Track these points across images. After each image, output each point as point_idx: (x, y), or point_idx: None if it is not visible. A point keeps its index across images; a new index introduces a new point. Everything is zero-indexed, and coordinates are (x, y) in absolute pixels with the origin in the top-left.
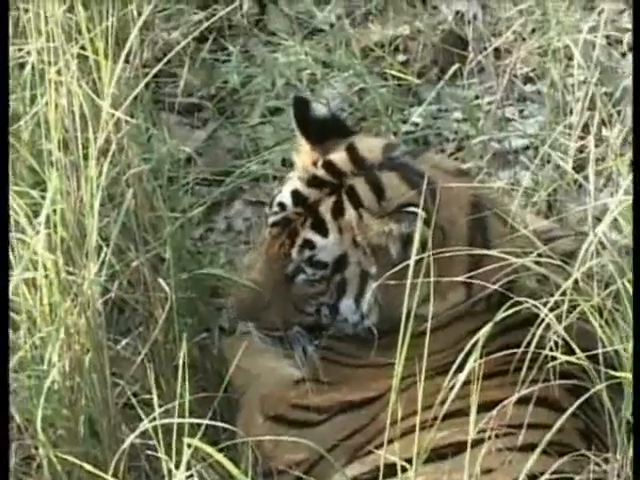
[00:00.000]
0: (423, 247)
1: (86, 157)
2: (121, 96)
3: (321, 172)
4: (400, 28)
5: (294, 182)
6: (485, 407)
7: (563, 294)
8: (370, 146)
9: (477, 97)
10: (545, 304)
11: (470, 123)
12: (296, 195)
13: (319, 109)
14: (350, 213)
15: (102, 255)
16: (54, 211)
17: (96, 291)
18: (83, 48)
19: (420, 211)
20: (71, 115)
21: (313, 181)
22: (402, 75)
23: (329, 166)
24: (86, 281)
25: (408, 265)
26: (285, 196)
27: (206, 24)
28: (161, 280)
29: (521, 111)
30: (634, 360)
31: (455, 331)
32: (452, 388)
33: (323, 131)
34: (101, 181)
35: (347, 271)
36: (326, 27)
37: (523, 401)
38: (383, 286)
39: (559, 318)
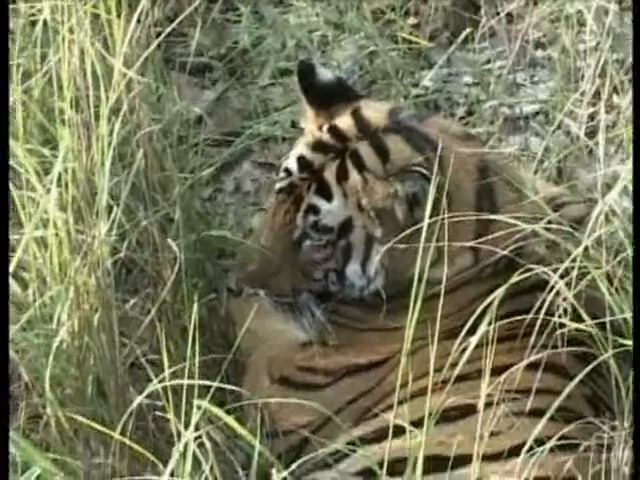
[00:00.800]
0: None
1: (97, 116)
2: (132, 55)
3: (326, 137)
4: None
5: (300, 147)
6: (493, 372)
7: (573, 261)
8: (375, 110)
9: (488, 61)
10: (555, 271)
11: (481, 87)
12: (301, 160)
13: (324, 74)
14: (354, 177)
15: (112, 215)
16: (65, 170)
17: (106, 251)
18: (95, 6)
19: (425, 170)
20: (83, 73)
21: (318, 146)
22: (413, 38)
23: (334, 131)
24: (96, 240)
25: (414, 229)
26: (291, 162)
27: None
28: (170, 240)
29: (532, 76)
30: (634, 330)
31: (462, 296)
32: (462, 352)
33: (328, 96)
34: (112, 140)
35: (352, 235)
36: None
37: (531, 367)
38: (389, 250)
39: (568, 285)
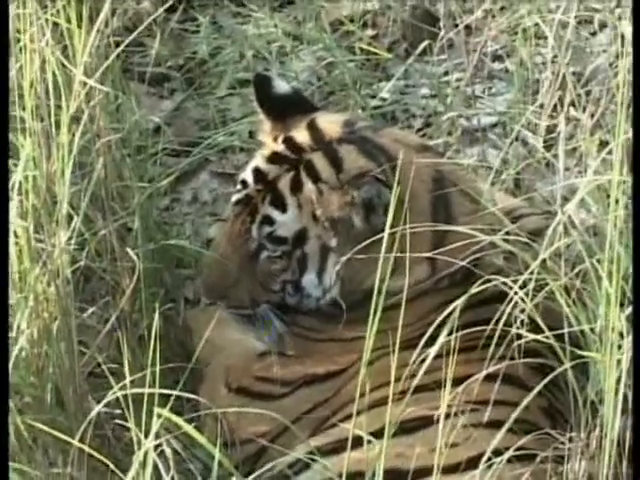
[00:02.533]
0: (386, 209)
1: (58, 125)
2: (92, 64)
3: (281, 148)
4: (370, 3)
5: (257, 159)
6: (452, 383)
7: (531, 273)
8: (330, 121)
9: (446, 73)
10: (514, 282)
11: (438, 99)
12: (257, 172)
13: (281, 86)
14: (308, 188)
15: (72, 223)
16: (25, 178)
17: (65, 259)
18: (55, 16)
19: (380, 175)
20: (43, 82)
21: (273, 157)
22: (371, 49)
23: (289, 142)
24: (56, 249)
25: (374, 239)
26: (247, 173)
27: None
28: (129, 249)
29: (489, 89)
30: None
31: (419, 307)
32: (420, 362)
33: (284, 107)
34: (72, 149)
35: (307, 246)
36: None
37: (489, 378)
38: (347, 261)
39: (526, 296)
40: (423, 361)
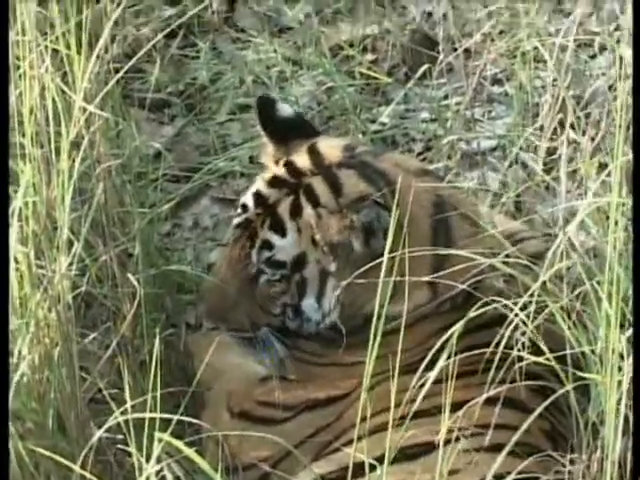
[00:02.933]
0: (385, 233)
1: (58, 151)
2: (92, 90)
3: (281, 172)
4: (369, 27)
5: (258, 183)
6: (452, 407)
7: (531, 295)
8: (331, 146)
9: (446, 97)
10: (514, 304)
11: (438, 123)
12: (257, 196)
13: (284, 109)
14: (308, 212)
15: (72, 249)
16: (25, 204)
17: (66, 285)
18: (55, 43)
19: (379, 199)
20: (43, 109)
21: (273, 181)
22: (371, 74)
23: (289, 166)
24: (57, 275)
25: (373, 263)
26: (248, 197)
27: (177, 22)
28: (130, 275)
29: (489, 112)
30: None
31: (420, 331)
32: (420, 387)
33: (287, 131)
34: (73, 175)
35: (306, 270)
36: (295, 25)
37: (489, 402)
38: (346, 286)
39: (527, 318)
40: (423, 386)
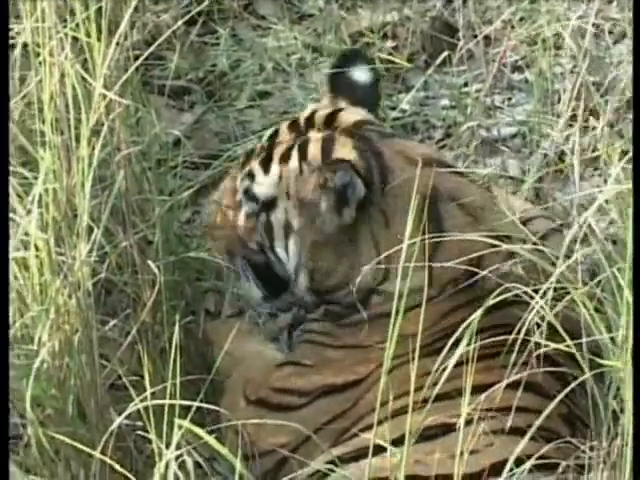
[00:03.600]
0: (360, 206)
1: (77, 138)
2: (112, 77)
3: (301, 119)
4: (389, 14)
5: (286, 121)
6: (471, 390)
7: (549, 280)
8: (350, 114)
9: (465, 84)
10: (535, 292)
11: (458, 110)
12: (275, 132)
13: (360, 74)
14: (293, 163)
15: (92, 236)
16: (46, 191)
17: (86, 272)
18: (75, 30)
19: (359, 167)
20: (63, 95)
21: (291, 125)
22: (391, 59)
23: (309, 116)
24: (77, 261)
25: (339, 228)
26: (271, 130)
27: (197, 9)
28: (150, 262)
29: (509, 99)
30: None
31: (427, 313)
32: (438, 371)
33: (346, 91)
34: (93, 162)
35: (273, 215)
36: (315, 12)
37: (508, 385)
38: (311, 248)
39: (546, 304)
40: (443, 370)
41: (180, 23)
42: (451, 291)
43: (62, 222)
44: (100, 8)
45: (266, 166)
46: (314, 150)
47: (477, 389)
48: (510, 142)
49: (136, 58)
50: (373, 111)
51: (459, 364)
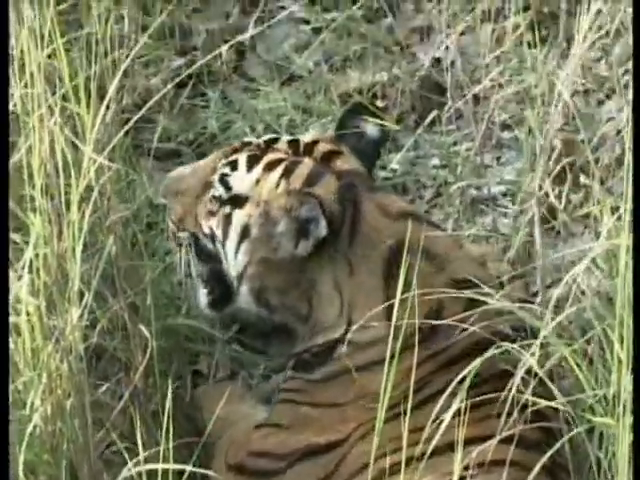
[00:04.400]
0: (320, 245)
1: (68, 203)
2: (101, 142)
3: (302, 143)
4: (378, 75)
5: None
6: (451, 446)
7: (535, 336)
8: (347, 160)
9: (455, 144)
10: (524, 348)
11: (448, 169)
12: (275, 140)
13: (372, 130)
14: (275, 176)
15: (83, 301)
16: (36, 256)
17: (78, 336)
18: (64, 97)
19: (329, 206)
20: (53, 161)
21: (292, 142)
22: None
23: (310, 144)
24: (68, 326)
25: (293, 257)
26: (274, 136)
27: (187, 72)
28: (142, 327)
29: (498, 158)
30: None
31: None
32: (421, 429)
33: (353, 142)
34: (83, 226)
35: (237, 212)
36: (305, 73)
37: (488, 437)
38: (260, 262)
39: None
40: (421, 429)
41: (170, 87)
42: (409, 344)
43: (53, 287)
44: (89, 75)
45: (251, 164)
46: (299, 175)
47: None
48: (500, 200)
49: (126, 121)
50: (369, 167)
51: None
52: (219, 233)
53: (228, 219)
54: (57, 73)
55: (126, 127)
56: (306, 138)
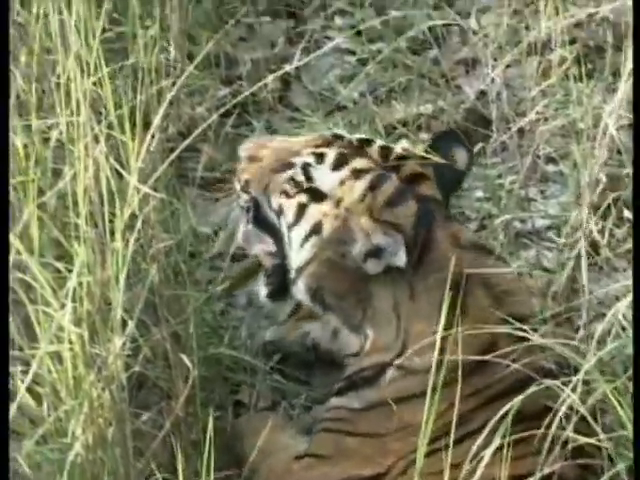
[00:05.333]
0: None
1: (112, 231)
2: (145, 170)
3: (393, 153)
4: (423, 106)
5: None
6: None
7: (577, 372)
8: (431, 185)
9: (500, 176)
10: (565, 384)
11: (492, 202)
12: (368, 141)
13: (461, 156)
14: (361, 186)
15: (126, 330)
16: (80, 284)
17: (120, 365)
18: (110, 126)
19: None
20: (97, 189)
21: (383, 150)
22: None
23: (399, 158)
24: (111, 355)
25: (358, 270)
26: (367, 137)
27: (232, 101)
28: (184, 357)
29: (543, 191)
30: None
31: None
32: (460, 466)
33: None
34: (127, 255)
35: (312, 206)
36: (349, 104)
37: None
38: (323, 262)
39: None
40: (460, 465)
41: (215, 116)
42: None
43: (96, 315)
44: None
45: (339, 164)
46: (384, 192)
47: None
48: (545, 234)
49: (170, 150)
50: (447, 196)
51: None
52: (290, 217)
53: (302, 209)
54: (102, 102)
55: (171, 156)
56: (398, 149)
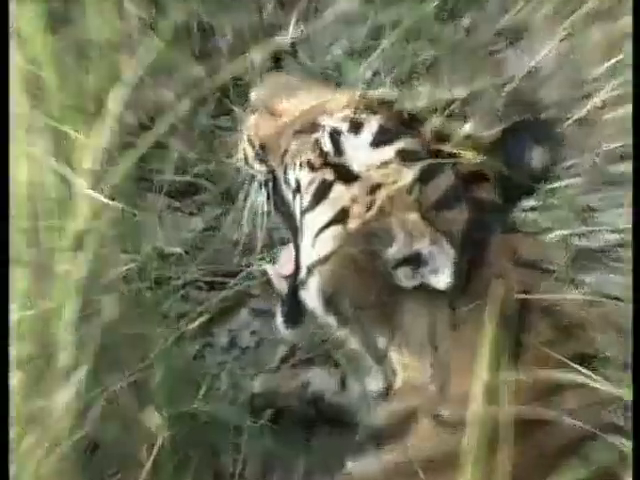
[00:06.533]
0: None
1: (56, 251)
2: (97, 172)
3: (462, 134)
4: (455, 90)
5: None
6: None
7: None
8: (492, 189)
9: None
10: None
11: (543, 213)
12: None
13: (537, 160)
14: (411, 173)
15: (72, 378)
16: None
17: (67, 423)
18: (51, 115)
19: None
20: (36, 198)
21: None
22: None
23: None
24: (55, 410)
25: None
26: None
27: (209, 84)
28: (149, 413)
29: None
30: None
31: None
32: None
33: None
34: (75, 282)
35: (337, 186)
36: (360, 86)
37: None
38: (342, 260)
39: None
40: None
41: (187, 102)
42: None
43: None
44: None
45: (381, 140)
46: (436, 188)
47: None
48: (609, 253)
49: (130, 146)
50: (512, 201)
51: None
52: (307, 197)
53: (325, 188)
54: (40, 83)
55: (131, 155)
56: (460, 134)
